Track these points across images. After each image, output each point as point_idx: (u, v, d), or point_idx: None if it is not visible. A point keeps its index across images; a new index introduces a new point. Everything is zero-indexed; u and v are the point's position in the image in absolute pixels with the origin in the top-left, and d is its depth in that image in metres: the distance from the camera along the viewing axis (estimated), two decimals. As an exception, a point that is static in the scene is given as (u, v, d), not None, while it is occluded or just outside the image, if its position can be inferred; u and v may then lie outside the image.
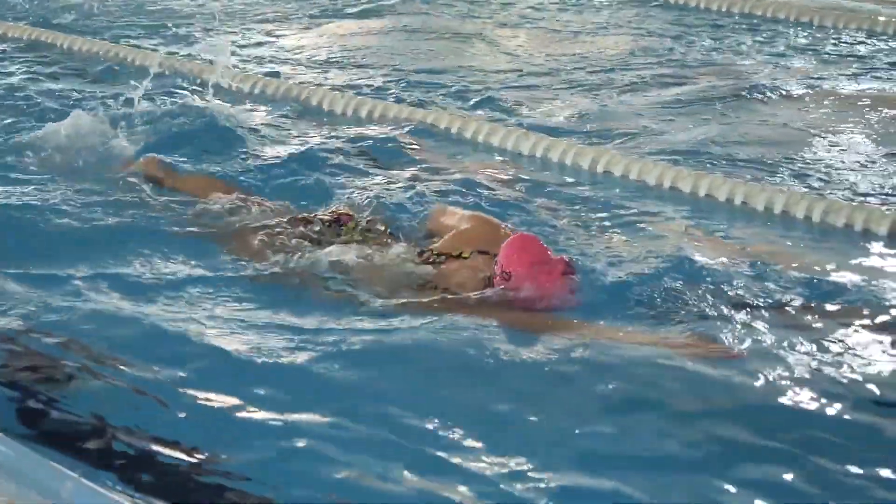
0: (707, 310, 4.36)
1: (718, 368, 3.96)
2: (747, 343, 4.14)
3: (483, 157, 6.35)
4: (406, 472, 3.41)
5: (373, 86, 7.58)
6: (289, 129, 6.59)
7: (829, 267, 4.95)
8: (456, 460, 3.46)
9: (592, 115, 7.03)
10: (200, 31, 9.02)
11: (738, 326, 4.25)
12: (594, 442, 3.55)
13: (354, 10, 9.79)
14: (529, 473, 3.40)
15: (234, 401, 3.78)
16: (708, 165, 6.20)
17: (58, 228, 5.03)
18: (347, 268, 4.55)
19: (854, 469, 3.50)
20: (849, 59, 8.29)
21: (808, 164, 6.25)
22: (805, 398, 3.85)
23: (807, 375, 3.98)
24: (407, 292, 4.41)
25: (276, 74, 7.79)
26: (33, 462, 3.14)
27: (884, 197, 5.76)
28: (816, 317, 4.42)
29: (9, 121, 6.45)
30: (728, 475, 3.42)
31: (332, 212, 4.96)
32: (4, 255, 4.79)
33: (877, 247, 5.29)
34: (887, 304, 4.62)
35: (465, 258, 4.47)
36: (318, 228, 4.81)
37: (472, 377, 3.94)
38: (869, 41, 8.72)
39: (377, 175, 5.80)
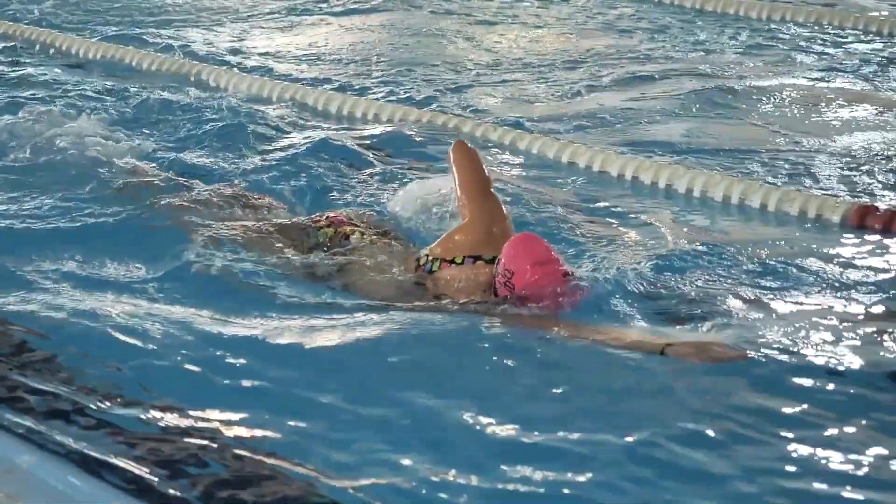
0: (698, 306, 4.41)
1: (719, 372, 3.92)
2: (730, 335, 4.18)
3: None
4: (399, 470, 3.42)
5: (362, 84, 7.66)
6: (284, 129, 6.59)
7: (784, 254, 5.07)
8: (451, 460, 3.47)
9: (561, 110, 7.15)
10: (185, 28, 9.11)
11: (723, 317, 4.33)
12: (586, 446, 3.53)
13: (340, 7, 9.89)
14: (522, 473, 3.41)
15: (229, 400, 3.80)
16: (674, 157, 6.34)
17: (51, 226, 5.05)
18: (342, 274, 4.55)
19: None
20: (816, 55, 8.44)
21: (771, 156, 6.39)
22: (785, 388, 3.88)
23: (770, 362, 4.03)
24: (401, 297, 4.40)
25: (268, 73, 7.86)
26: (35, 459, 3.27)
27: (839, 187, 5.92)
28: (781, 304, 4.52)
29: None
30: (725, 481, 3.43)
31: (328, 217, 4.93)
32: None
33: (830, 234, 5.44)
34: (836, 288, 4.73)
35: (458, 264, 4.43)
36: (313, 235, 4.81)
37: (466, 378, 3.93)
38: (838, 38, 8.87)
39: (372, 176, 5.85)
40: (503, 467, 3.39)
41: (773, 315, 4.42)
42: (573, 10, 9.78)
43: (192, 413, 3.70)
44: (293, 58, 8.42)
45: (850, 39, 8.84)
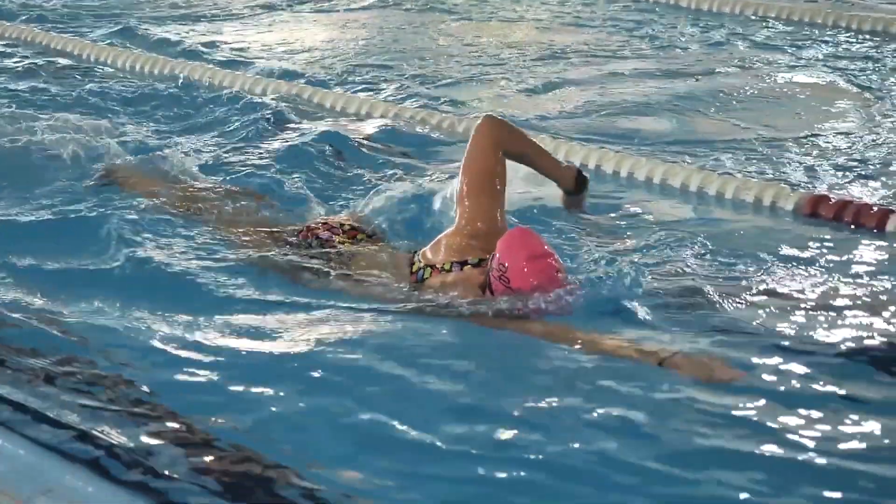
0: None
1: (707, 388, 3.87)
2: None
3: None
4: (389, 470, 3.45)
5: (343, 80, 7.76)
6: (273, 128, 6.61)
7: (741, 243, 5.21)
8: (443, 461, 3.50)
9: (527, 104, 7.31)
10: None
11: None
12: (572, 454, 3.52)
13: (318, 5, 10.00)
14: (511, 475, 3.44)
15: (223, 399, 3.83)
16: (639, 149, 6.49)
17: (42, 223, 5.08)
18: (337, 278, 4.56)
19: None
20: (784, 49, 8.60)
21: (733, 147, 6.53)
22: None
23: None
24: (395, 302, 4.41)
25: (249, 68, 7.94)
26: (41, 460, 3.27)
27: (794, 176, 6.08)
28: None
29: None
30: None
31: (322, 220, 4.95)
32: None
33: (784, 222, 5.59)
34: (790, 276, 4.85)
35: (447, 270, 4.44)
36: (307, 239, 4.81)
37: (459, 381, 3.92)
38: (807, 33, 9.04)
39: (364, 175, 5.88)
40: (492, 468, 3.43)
41: (744, 304, 4.52)
42: (546, 7, 9.91)
43: (181, 414, 3.73)
44: (274, 53, 8.50)
45: (818, 34, 8.99)
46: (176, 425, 3.64)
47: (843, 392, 3.85)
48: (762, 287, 4.71)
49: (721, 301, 4.51)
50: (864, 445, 3.58)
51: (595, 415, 3.66)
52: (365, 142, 6.42)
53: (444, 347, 4.11)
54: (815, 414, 3.70)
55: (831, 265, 5.02)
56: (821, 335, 4.31)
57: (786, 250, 5.14)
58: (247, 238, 4.84)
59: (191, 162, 5.77)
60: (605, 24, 9.34)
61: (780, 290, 4.70)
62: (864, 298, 4.65)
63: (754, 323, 4.36)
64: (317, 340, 4.11)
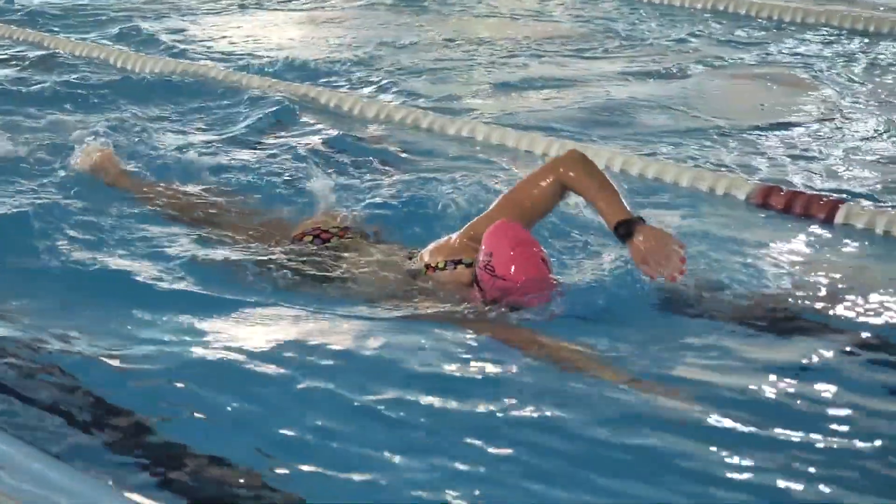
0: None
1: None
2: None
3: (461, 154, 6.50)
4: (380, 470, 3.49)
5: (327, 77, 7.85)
6: (272, 128, 6.67)
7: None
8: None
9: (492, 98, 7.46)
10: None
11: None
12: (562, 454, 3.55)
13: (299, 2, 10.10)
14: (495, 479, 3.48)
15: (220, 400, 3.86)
16: (600, 139, 6.65)
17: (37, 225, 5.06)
18: (335, 279, 4.59)
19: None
20: (747, 43, 8.78)
21: (690, 137, 6.70)
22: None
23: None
24: (389, 302, 4.45)
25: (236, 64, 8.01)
26: (38, 462, 3.22)
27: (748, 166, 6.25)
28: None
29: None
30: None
31: (317, 221, 4.98)
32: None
33: (737, 211, 5.74)
34: (742, 266, 4.95)
35: (441, 269, 4.49)
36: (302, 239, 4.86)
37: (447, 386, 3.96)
38: (774, 28, 9.23)
39: (360, 178, 5.91)
40: (479, 467, 3.49)
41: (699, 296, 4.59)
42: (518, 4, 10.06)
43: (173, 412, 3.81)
44: (259, 50, 8.56)
45: (784, 30, 9.16)
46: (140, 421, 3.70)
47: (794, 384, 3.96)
48: (718, 278, 4.79)
49: (676, 291, 4.57)
50: (801, 433, 3.67)
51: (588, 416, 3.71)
52: (359, 142, 6.50)
53: (435, 350, 4.14)
54: (770, 405, 3.82)
55: (778, 255, 5.14)
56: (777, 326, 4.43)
57: (736, 240, 5.25)
58: (241, 239, 4.89)
59: (183, 161, 5.84)
60: (573, 18, 9.49)
61: (730, 281, 4.77)
62: (809, 288, 4.77)
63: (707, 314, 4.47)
64: (310, 342, 4.17)
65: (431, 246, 4.59)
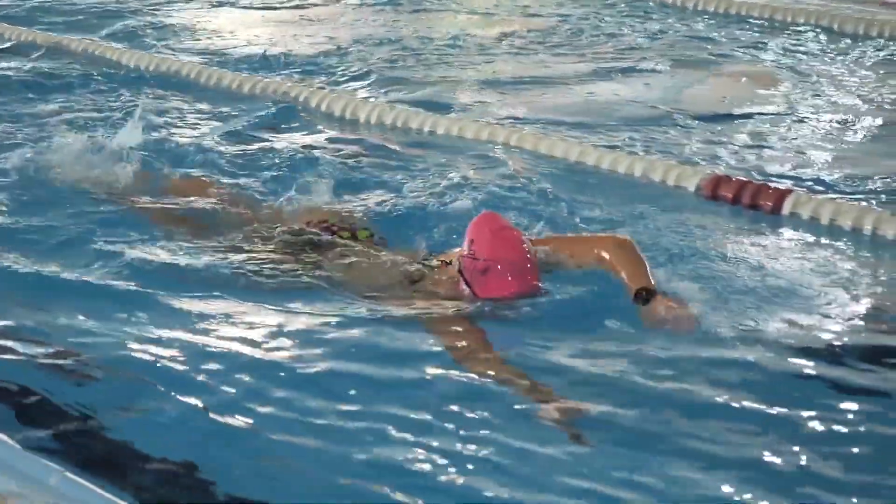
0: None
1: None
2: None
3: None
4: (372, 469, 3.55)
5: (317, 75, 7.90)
6: (268, 128, 6.71)
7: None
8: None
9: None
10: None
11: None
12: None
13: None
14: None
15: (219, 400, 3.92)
16: (557, 130, 6.76)
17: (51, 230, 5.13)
18: (340, 276, 4.64)
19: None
20: (713, 38, 8.90)
21: (646, 130, 6.83)
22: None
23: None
24: (391, 302, 4.50)
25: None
26: (30, 461, 3.28)
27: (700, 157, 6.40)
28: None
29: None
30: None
31: (320, 222, 5.01)
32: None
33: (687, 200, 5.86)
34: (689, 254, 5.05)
35: (448, 263, 4.56)
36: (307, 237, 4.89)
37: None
38: (738, 23, 9.35)
39: (358, 177, 5.94)
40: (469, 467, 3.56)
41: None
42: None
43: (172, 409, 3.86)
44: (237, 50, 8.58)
45: (744, 24, 9.29)
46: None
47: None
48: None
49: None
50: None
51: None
52: (354, 142, 6.56)
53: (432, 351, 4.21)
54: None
55: (725, 246, 5.22)
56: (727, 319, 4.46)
57: (685, 230, 5.38)
58: (238, 237, 4.94)
59: (177, 159, 5.88)
60: (536, 15, 9.60)
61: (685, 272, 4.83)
62: (760, 281, 4.84)
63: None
64: (309, 343, 4.24)
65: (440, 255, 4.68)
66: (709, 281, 4.70)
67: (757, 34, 9.03)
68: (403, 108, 7.02)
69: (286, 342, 4.27)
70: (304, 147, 6.32)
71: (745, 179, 5.88)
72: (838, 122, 7.03)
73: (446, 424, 3.75)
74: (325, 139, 6.56)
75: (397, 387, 3.98)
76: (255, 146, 6.32)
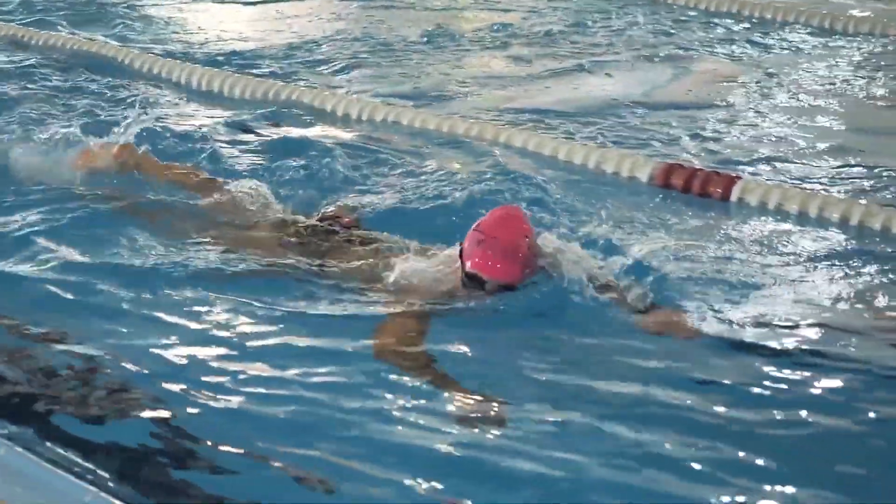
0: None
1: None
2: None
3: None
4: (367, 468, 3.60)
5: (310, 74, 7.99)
6: (266, 128, 6.74)
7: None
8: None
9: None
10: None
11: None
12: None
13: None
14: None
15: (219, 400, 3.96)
16: (525, 123, 6.93)
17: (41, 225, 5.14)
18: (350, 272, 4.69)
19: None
20: (681, 32, 9.08)
21: (608, 122, 6.99)
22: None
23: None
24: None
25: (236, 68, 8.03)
26: (28, 463, 3.30)
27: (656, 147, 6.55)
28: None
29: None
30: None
31: (330, 216, 5.07)
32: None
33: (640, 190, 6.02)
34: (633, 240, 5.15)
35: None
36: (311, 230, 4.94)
37: None
38: (702, 18, 9.53)
39: (358, 176, 5.94)
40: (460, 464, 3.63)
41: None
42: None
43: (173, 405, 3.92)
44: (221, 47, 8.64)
45: (717, 20, 9.46)
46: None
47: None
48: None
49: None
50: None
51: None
52: (351, 140, 6.59)
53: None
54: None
55: (676, 235, 5.36)
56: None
57: (635, 220, 5.52)
58: (227, 230, 5.00)
59: (167, 155, 5.87)
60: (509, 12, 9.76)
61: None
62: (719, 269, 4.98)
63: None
64: (314, 339, 4.31)
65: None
66: (669, 270, 4.79)
67: (725, 30, 9.20)
68: (371, 101, 7.18)
69: (286, 339, 4.33)
70: (295, 144, 6.37)
71: (695, 167, 6.02)
72: (797, 114, 7.19)
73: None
74: (315, 135, 6.62)
75: (397, 386, 4.06)
76: (245, 143, 6.39)
